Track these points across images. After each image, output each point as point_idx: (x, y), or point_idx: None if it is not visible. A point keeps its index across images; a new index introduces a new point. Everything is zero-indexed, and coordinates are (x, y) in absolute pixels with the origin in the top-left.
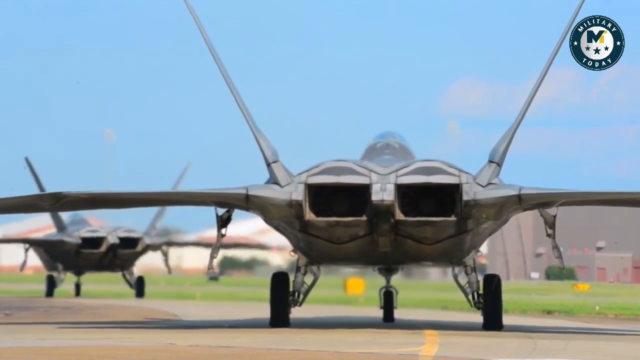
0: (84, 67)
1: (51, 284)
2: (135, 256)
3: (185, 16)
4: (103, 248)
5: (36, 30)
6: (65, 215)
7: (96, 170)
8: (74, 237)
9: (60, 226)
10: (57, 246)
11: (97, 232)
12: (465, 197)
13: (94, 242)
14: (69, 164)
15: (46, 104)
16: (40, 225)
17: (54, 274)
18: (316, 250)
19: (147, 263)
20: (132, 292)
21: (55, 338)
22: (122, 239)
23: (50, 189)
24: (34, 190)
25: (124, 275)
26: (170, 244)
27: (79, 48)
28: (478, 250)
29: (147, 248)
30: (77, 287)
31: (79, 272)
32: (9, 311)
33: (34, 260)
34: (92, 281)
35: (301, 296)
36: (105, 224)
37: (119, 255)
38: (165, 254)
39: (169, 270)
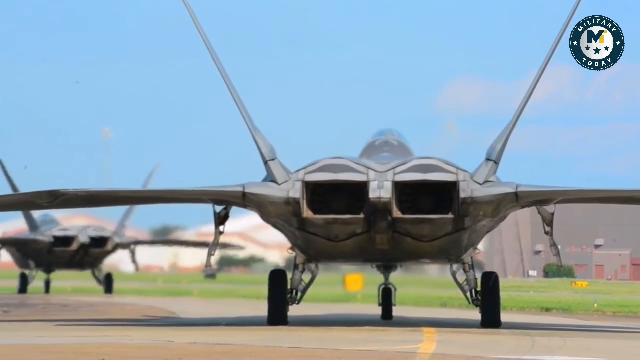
0: (82, 67)
1: (24, 281)
2: (105, 255)
3: (184, 15)
4: (74, 247)
5: (35, 30)
6: (35, 215)
7: (94, 168)
8: (46, 236)
9: (33, 226)
10: (31, 245)
11: (69, 231)
12: (462, 195)
13: (65, 240)
14: (66, 162)
15: (44, 103)
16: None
17: (26, 271)
18: (314, 248)
19: (144, 261)
20: (101, 288)
21: (53, 335)
22: (92, 238)
23: (48, 186)
24: (31, 189)
25: (93, 273)
26: (138, 243)
27: (78, 47)
28: (476, 248)
29: (117, 247)
30: (47, 284)
31: (49, 270)
32: (7, 308)
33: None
34: (60, 278)
35: (299, 294)
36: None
37: (90, 253)
38: (132, 253)
39: (137, 268)
